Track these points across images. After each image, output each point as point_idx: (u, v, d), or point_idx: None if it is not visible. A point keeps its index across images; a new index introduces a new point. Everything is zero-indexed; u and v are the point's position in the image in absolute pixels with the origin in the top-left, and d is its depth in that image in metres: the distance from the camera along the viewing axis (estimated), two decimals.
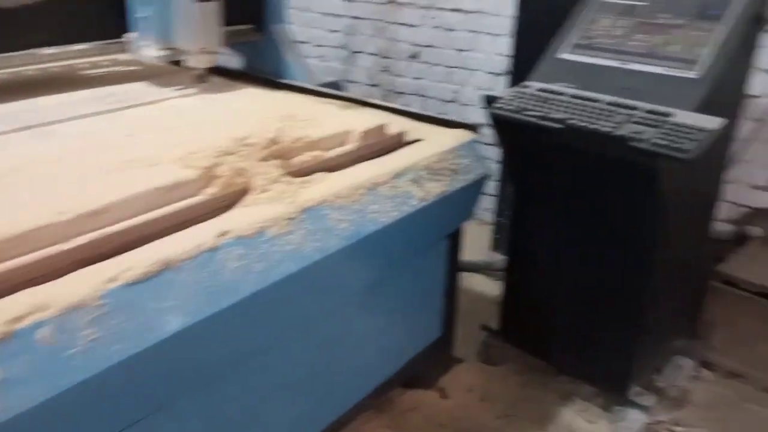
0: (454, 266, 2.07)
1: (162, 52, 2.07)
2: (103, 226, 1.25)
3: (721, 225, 2.66)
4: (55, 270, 1.17)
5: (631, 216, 1.83)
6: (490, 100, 1.90)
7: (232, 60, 2.68)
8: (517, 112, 1.83)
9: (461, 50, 3.54)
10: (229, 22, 2.40)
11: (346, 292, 1.64)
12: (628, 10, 1.96)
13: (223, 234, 1.31)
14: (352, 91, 4.23)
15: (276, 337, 1.49)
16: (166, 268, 1.21)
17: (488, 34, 3.39)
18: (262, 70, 2.56)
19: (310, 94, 2.29)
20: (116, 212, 1.27)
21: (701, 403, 2.23)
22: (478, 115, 3.59)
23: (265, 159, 1.53)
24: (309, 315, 1.54)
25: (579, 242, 2.00)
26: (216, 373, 1.36)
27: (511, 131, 1.93)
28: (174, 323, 1.16)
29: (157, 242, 1.28)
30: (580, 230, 1.99)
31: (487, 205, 3.07)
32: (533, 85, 1.91)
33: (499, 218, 3.03)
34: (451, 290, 2.11)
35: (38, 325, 1.03)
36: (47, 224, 1.18)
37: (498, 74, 3.34)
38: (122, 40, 2.15)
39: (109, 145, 1.60)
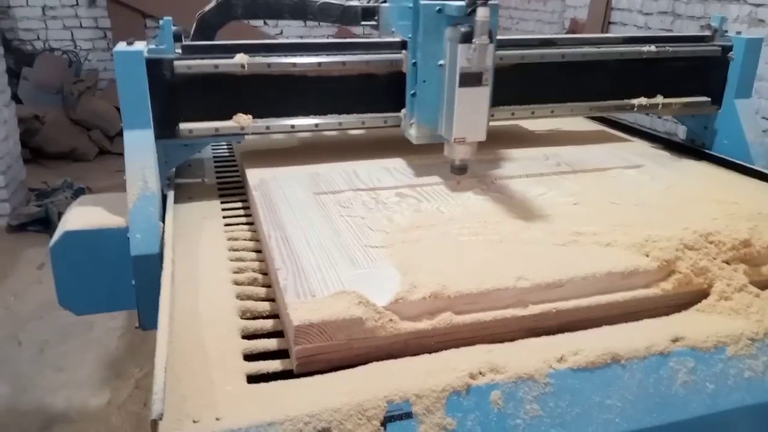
0: None
1: (422, 134, 1.83)
2: (556, 300, 1.25)
3: None
4: (507, 332, 1.21)
5: None
6: None
7: (678, 130, 2.52)
8: None
9: None
10: (681, 91, 2.26)
11: None
12: None
13: (677, 340, 1.19)
14: None
15: None
16: (614, 361, 1.15)
17: None
18: (710, 146, 2.33)
19: None
20: (570, 288, 1.26)
21: None
22: None
23: (729, 261, 1.36)
24: None
25: None
26: None
27: None
28: (612, 425, 1.09)
29: (602, 329, 1.23)
30: None
31: None
32: None
33: None
34: None
35: (492, 387, 1.07)
36: (507, 287, 1.23)
37: None
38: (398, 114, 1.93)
39: (556, 212, 1.61)
